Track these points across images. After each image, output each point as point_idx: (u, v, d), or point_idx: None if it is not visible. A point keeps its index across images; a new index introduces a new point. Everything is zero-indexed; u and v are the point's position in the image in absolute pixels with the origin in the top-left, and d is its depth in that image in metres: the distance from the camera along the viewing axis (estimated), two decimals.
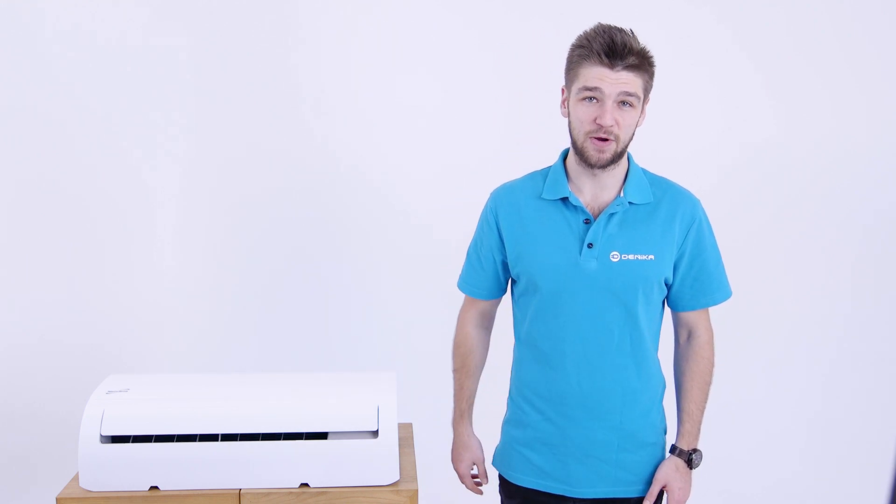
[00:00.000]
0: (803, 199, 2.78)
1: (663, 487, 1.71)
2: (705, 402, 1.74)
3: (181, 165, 2.66)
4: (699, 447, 1.74)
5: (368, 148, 2.70)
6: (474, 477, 1.87)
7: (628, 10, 2.67)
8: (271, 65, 2.65)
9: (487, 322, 1.87)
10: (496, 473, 1.85)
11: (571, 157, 1.68)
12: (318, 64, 2.66)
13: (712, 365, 1.75)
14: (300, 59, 2.66)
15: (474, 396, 1.86)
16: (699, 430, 1.74)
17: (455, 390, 1.86)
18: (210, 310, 2.72)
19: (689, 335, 1.76)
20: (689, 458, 1.72)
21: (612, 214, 1.64)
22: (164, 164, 2.66)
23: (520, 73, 2.66)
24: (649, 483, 1.72)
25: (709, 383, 1.75)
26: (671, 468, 1.71)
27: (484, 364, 1.87)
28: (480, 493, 1.89)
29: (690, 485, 1.74)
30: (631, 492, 1.71)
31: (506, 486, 1.81)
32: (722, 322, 2.70)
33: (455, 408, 1.86)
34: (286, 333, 2.73)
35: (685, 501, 1.72)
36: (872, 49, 2.73)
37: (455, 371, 1.86)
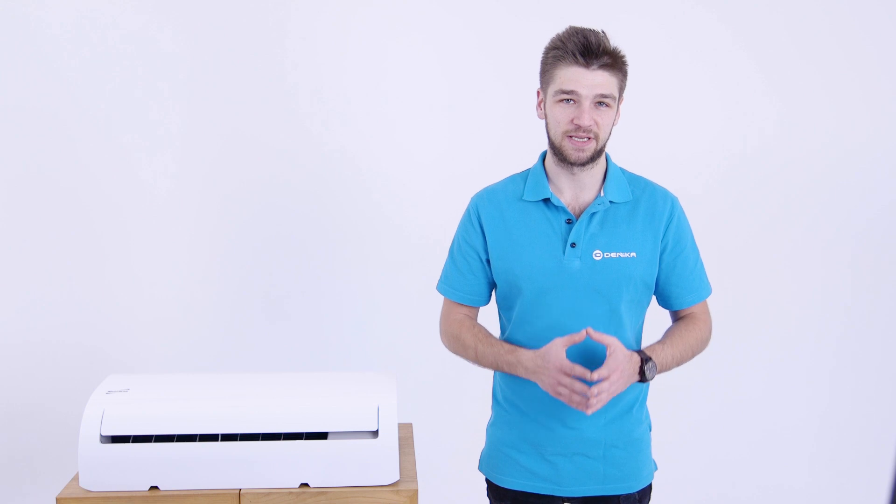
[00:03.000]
0: (804, 197, 2.78)
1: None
2: (683, 355, 1.68)
3: (180, 165, 2.66)
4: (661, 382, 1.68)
5: (368, 148, 2.70)
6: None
7: (629, 10, 2.68)
8: (270, 64, 2.65)
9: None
10: (483, 478, 1.83)
11: (550, 158, 1.70)
12: (317, 63, 2.66)
13: (705, 338, 1.73)
14: (298, 59, 2.66)
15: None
16: (666, 362, 1.65)
17: (489, 355, 1.67)
18: (210, 310, 2.72)
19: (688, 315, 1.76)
20: (645, 363, 1.61)
21: (593, 214, 1.66)
22: (163, 164, 2.66)
23: (520, 73, 2.66)
24: (637, 480, 1.72)
25: (694, 346, 1.70)
26: (626, 352, 1.57)
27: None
28: (591, 402, 1.53)
29: (624, 385, 1.58)
30: (619, 488, 1.71)
31: (494, 491, 1.80)
32: (722, 321, 2.72)
33: (503, 359, 1.65)
34: (286, 334, 2.73)
35: (612, 382, 1.54)
36: (873, 49, 2.73)
37: (472, 348, 1.70)
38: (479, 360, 1.72)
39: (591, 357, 1.65)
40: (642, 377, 1.61)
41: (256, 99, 2.65)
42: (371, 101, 2.69)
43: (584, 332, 1.56)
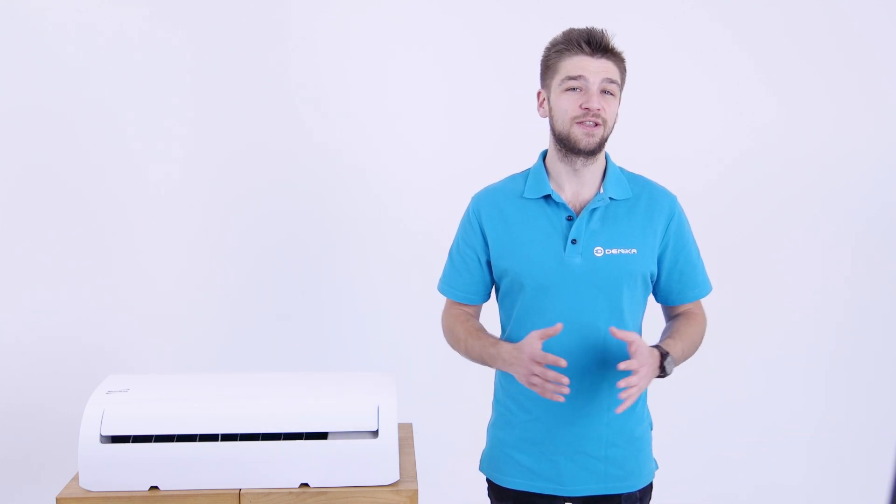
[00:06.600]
0: (804, 197, 2.78)
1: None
2: (688, 351, 1.69)
3: (182, 165, 2.66)
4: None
5: (368, 149, 2.70)
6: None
7: (629, 10, 2.68)
8: (271, 64, 2.65)
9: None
10: (484, 477, 1.83)
11: (552, 155, 1.71)
12: (318, 64, 2.66)
13: (703, 332, 1.75)
14: (299, 59, 2.66)
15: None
16: (678, 358, 1.66)
17: (476, 348, 1.70)
18: (210, 310, 2.72)
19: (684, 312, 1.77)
20: (664, 357, 1.62)
21: (593, 210, 1.67)
22: (164, 164, 2.66)
23: (520, 74, 2.66)
24: (638, 479, 1.72)
25: (696, 342, 1.72)
26: (648, 347, 1.59)
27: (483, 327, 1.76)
28: (564, 389, 1.56)
29: (649, 380, 1.59)
30: (620, 487, 1.71)
31: (496, 490, 1.80)
32: (722, 321, 2.72)
33: (486, 352, 1.68)
34: (286, 334, 2.73)
35: (640, 376, 1.54)
36: (873, 49, 2.74)
37: (463, 341, 1.73)
38: (469, 353, 1.74)
39: (601, 356, 1.66)
40: (662, 372, 1.61)
41: (257, 99, 2.65)
42: (372, 101, 2.69)
43: (558, 326, 1.56)
